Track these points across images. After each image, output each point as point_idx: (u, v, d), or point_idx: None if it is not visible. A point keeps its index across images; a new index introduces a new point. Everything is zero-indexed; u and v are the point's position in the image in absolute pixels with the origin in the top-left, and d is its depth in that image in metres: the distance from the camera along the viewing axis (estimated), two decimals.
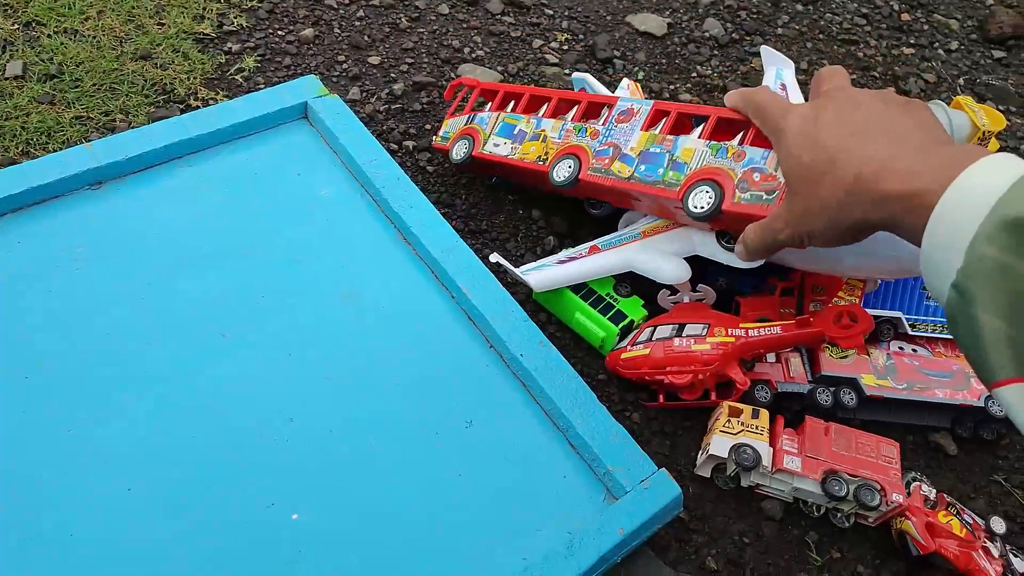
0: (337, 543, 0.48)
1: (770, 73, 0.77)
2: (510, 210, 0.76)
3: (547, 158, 0.68)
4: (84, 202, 0.62)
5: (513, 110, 0.72)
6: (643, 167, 0.61)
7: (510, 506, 0.52)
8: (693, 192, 0.57)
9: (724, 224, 0.58)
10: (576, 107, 0.69)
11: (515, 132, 0.71)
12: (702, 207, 0.56)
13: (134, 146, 0.64)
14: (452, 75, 0.87)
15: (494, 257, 0.64)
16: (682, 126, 0.62)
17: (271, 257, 0.62)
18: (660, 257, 0.61)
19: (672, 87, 0.92)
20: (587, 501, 0.53)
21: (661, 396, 0.62)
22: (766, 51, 0.78)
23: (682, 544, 0.56)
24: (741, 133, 0.57)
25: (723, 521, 0.58)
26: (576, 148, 0.66)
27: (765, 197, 0.53)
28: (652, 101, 0.64)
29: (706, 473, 0.59)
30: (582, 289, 0.65)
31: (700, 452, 0.59)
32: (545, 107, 0.71)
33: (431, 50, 0.90)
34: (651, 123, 0.63)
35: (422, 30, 0.92)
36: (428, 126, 0.81)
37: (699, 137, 0.59)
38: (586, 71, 0.87)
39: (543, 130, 0.69)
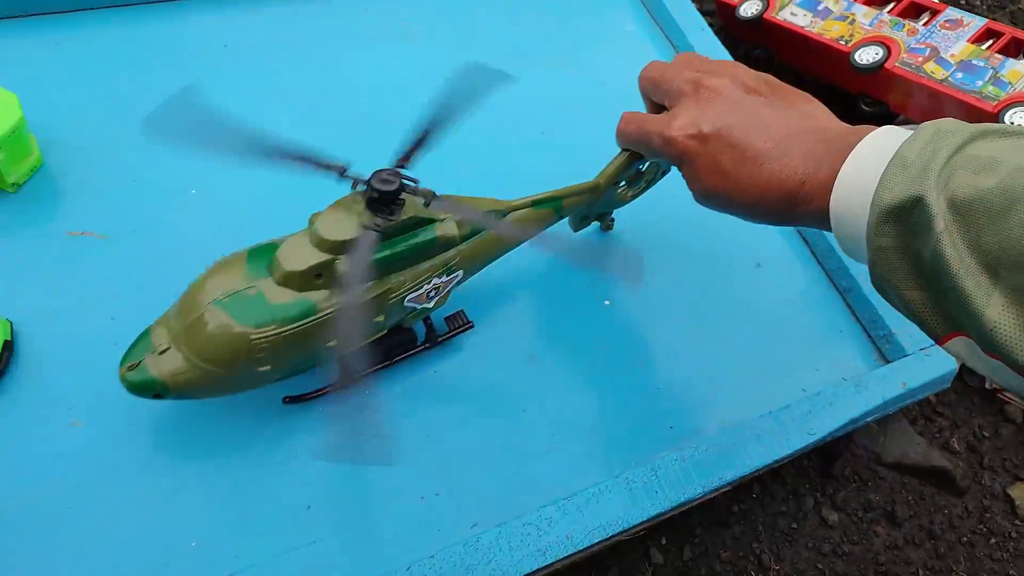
0: None
1: None
2: None
3: (851, 40, 0.68)
4: None
5: None
6: (960, 75, 0.62)
7: (791, 345, 0.55)
8: (1013, 110, 0.58)
9: None
10: (895, 2, 0.69)
11: (819, 8, 0.71)
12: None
13: None
14: None
15: None
16: (1010, 50, 0.63)
17: (584, 73, 0.65)
18: None
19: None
20: (860, 357, 0.55)
21: None
22: None
23: (928, 422, 0.59)
24: None
25: (965, 413, 0.60)
26: (888, 39, 0.66)
27: None
28: (985, 19, 0.64)
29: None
30: None
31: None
32: None
33: None
34: (979, 38, 0.64)
35: None
36: None
37: None
38: None
39: (852, 13, 0.69)
